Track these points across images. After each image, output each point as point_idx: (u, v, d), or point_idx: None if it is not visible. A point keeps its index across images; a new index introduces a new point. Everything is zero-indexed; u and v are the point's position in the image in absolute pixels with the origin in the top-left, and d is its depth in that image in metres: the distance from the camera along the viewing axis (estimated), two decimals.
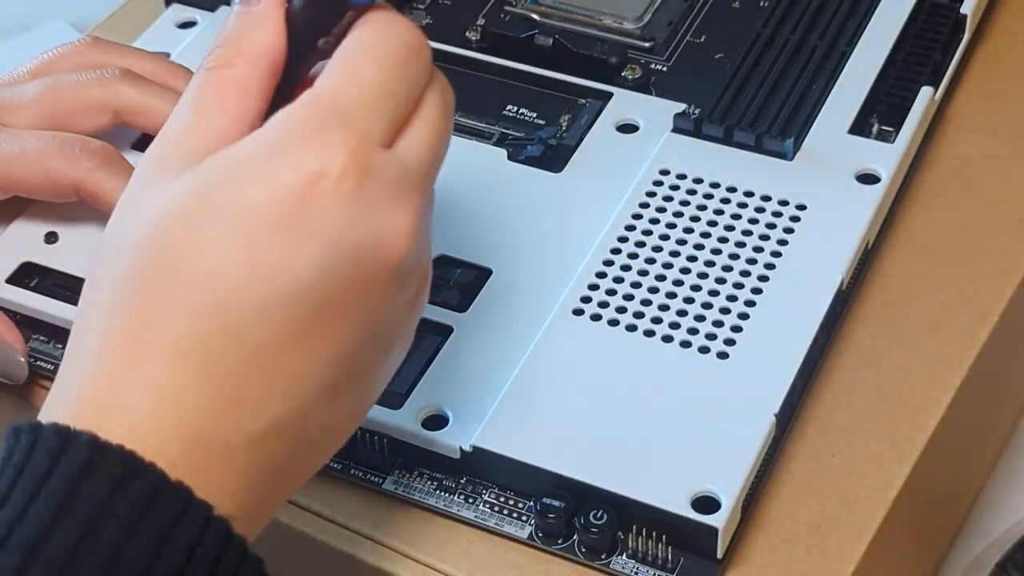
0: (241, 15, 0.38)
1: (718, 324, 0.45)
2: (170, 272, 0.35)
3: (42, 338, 0.48)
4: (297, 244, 0.35)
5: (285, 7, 0.38)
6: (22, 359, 0.47)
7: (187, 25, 0.59)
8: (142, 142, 0.51)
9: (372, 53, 0.37)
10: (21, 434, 0.34)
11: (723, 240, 0.47)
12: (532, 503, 0.43)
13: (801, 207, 0.48)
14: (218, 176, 0.35)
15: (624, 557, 0.42)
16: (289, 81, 0.38)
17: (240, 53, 0.37)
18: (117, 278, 0.35)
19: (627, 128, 0.52)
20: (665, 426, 0.43)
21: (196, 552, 0.33)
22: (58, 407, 0.35)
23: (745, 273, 0.46)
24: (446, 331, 0.46)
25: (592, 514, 0.42)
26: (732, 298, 0.46)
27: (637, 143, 0.51)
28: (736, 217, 0.48)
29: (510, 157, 0.52)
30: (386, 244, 0.35)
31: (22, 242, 0.50)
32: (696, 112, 0.52)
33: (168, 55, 0.55)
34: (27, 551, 0.32)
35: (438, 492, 0.44)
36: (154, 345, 0.34)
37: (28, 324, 0.48)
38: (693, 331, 0.45)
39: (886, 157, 0.50)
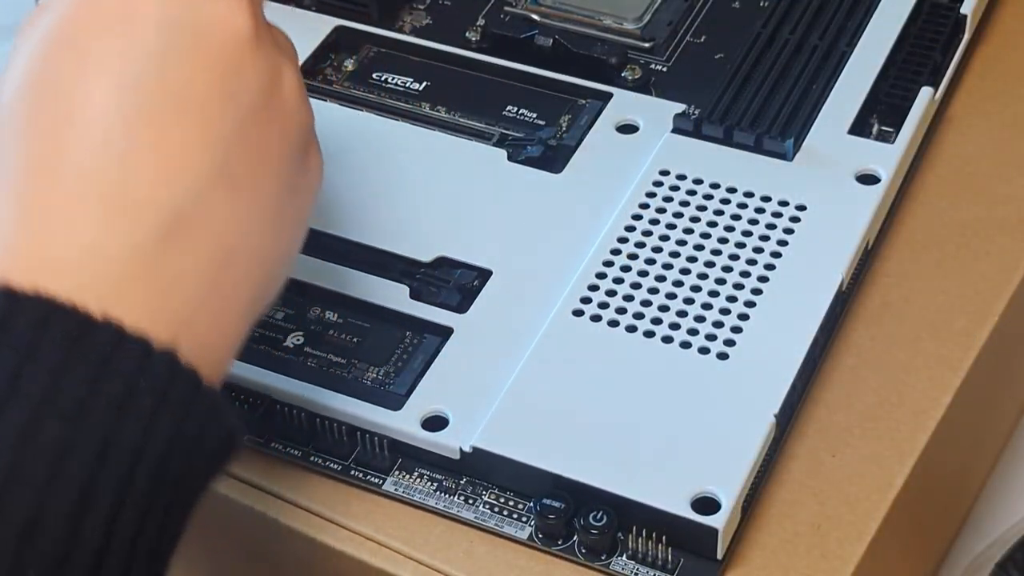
0: None
1: (718, 324, 0.45)
2: (23, 119, 0.36)
3: None
4: (129, 37, 0.36)
5: None
6: None
7: None
8: None
9: None
10: None
11: (723, 240, 0.47)
12: (532, 504, 0.43)
13: (801, 207, 0.48)
14: (45, 22, 0.37)
15: (624, 558, 0.42)
16: None
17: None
18: None
19: (627, 128, 0.52)
20: (665, 426, 0.43)
21: (139, 386, 0.33)
22: None
23: (745, 273, 0.46)
24: (446, 332, 0.46)
25: (592, 515, 0.42)
26: (732, 298, 0.46)
27: (637, 143, 0.51)
28: (736, 218, 0.48)
29: (510, 157, 0.52)
30: (220, 13, 0.37)
31: None
32: (696, 112, 0.52)
33: None
34: None
35: (438, 493, 0.44)
36: (29, 188, 0.35)
37: None
38: (693, 332, 0.45)
39: (886, 157, 0.50)
